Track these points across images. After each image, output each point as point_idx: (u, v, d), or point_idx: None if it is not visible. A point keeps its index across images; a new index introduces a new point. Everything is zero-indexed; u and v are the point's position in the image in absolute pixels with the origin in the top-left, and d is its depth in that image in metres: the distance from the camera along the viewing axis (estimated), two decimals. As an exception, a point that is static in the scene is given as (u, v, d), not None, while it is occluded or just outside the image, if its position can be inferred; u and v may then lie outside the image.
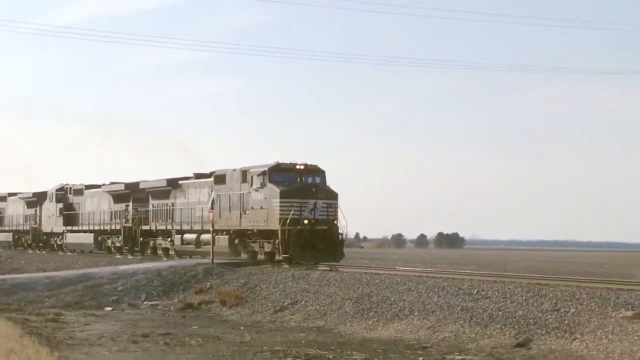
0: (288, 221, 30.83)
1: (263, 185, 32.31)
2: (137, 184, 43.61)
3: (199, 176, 38.49)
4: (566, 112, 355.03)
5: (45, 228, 54.38)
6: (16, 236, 59.47)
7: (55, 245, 53.45)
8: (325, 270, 29.20)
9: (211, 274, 31.52)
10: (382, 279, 25.73)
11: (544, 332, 18.42)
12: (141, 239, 42.85)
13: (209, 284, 30.36)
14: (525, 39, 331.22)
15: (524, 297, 20.80)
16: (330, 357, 17.42)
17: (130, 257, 41.78)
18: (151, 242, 42.38)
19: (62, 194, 51.82)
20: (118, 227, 44.76)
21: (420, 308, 22.00)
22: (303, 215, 31.29)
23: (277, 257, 31.84)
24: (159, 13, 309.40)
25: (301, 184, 32.22)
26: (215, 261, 33.37)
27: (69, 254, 48.90)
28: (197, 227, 37.34)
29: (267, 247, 32.56)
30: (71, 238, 50.57)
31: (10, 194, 61.64)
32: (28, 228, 57.10)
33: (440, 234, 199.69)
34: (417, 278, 25.35)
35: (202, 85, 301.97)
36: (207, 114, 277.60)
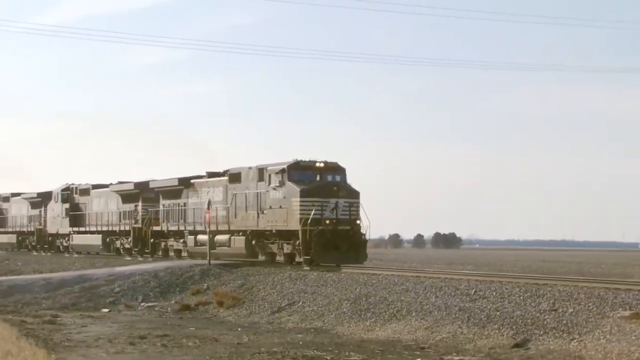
0: (309, 221, 29.82)
1: (282, 184, 31.25)
2: (146, 183, 42.23)
3: (212, 175, 37.24)
4: (564, 111, 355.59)
5: (51, 229, 52.91)
6: (20, 237, 57.95)
7: (61, 247, 52.02)
8: (323, 271, 29.10)
9: (208, 275, 31.47)
10: (380, 280, 25.70)
11: (541, 332, 18.40)
12: (152, 240, 41.53)
13: (206, 285, 30.31)
14: (522, 37, 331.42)
15: (521, 297, 20.79)
16: (328, 358, 17.39)
17: (140, 258, 40.61)
18: (162, 244, 41.01)
19: (68, 194, 50.37)
20: (127, 228, 43.48)
21: (418, 308, 21.97)
22: (324, 215, 30.26)
23: (298, 259, 30.99)
24: (151, 12, 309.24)
25: (322, 183, 31.26)
26: (212, 262, 33.35)
27: (75, 255, 47.83)
28: (211, 227, 35.33)
29: (287, 249, 31.66)
30: (78, 239, 49.14)
31: (14, 194, 60.15)
32: (32, 229, 55.48)
33: (437, 234, 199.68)
34: (415, 278, 25.33)
35: (198, 84, 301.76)
36: (204, 113, 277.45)
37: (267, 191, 31.95)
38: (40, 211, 54.74)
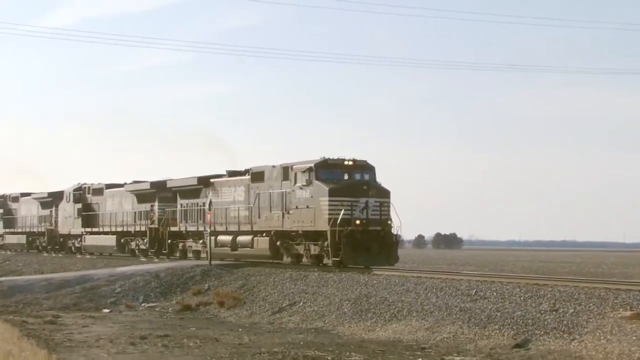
0: (338, 221, 28.86)
1: (309, 183, 30.24)
2: (163, 182, 41.17)
3: (232, 174, 36.24)
4: (564, 112, 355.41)
5: (62, 230, 51.84)
6: (30, 238, 56.92)
7: (73, 248, 50.93)
8: (324, 272, 29.06)
9: (209, 275, 31.46)
10: (380, 280, 25.70)
11: (542, 332, 18.40)
12: (169, 241, 40.34)
13: (206, 285, 30.32)
14: (521, 38, 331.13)
15: (522, 298, 20.78)
16: (329, 358, 17.39)
17: (156, 260, 39.70)
18: (180, 245, 39.83)
19: (80, 193, 49.37)
20: (143, 228, 42.55)
21: (419, 309, 21.97)
22: (354, 215, 29.29)
23: (325, 261, 30.15)
24: (151, 15, 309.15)
25: (351, 181, 30.31)
26: (212, 262, 33.34)
27: (88, 256, 46.68)
28: (232, 228, 34.87)
29: (314, 250, 30.63)
30: (91, 240, 48.14)
31: (23, 194, 59.00)
32: (43, 230, 54.43)
33: (438, 235, 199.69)
34: (415, 279, 25.31)
35: (195, 86, 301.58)
36: (203, 114, 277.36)
37: (293, 190, 31.03)
38: (51, 211, 53.87)
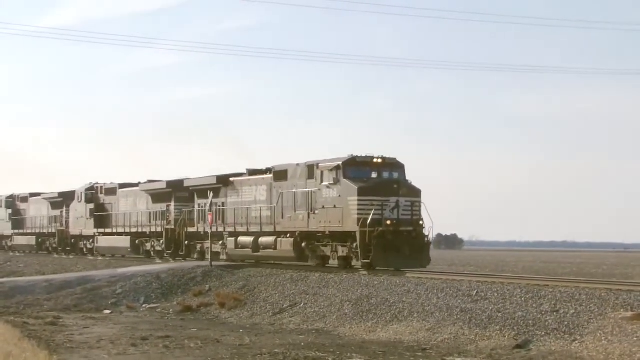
0: (368, 222, 27.72)
1: (336, 182, 29.09)
2: (180, 181, 39.86)
3: (253, 172, 35.09)
4: (565, 113, 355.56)
5: (74, 230, 50.34)
6: (40, 239, 55.35)
7: (84, 249, 49.34)
8: (324, 272, 29.01)
9: (210, 276, 31.47)
10: (381, 281, 25.70)
11: (543, 333, 18.41)
12: (186, 242, 39.04)
13: (207, 286, 30.32)
14: (522, 38, 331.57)
15: (523, 299, 20.79)
16: (330, 359, 17.40)
17: (172, 261, 38.43)
18: (198, 246, 38.48)
19: (93, 193, 48.01)
20: (159, 229, 41.24)
21: (420, 310, 21.98)
22: (385, 215, 28.10)
23: (354, 263, 29.16)
24: (150, 16, 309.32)
25: (380, 180, 29.18)
26: (213, 263, 33.35)
27: (100, 258, 45.10)
28: (254, 228, 33.55)
29: (342, 252, 29.46)
30: (103, 241, 46.69)
31: (32, 194, 57.52)
32: (54, 230, 52.95)
33: (439, 235, 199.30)
34: (416, 280, 25.33)
35: (193, 87, 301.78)
36: (205, 114, 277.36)
37: (319, 189, 29.92)
38: (61, 212, 52.64)
